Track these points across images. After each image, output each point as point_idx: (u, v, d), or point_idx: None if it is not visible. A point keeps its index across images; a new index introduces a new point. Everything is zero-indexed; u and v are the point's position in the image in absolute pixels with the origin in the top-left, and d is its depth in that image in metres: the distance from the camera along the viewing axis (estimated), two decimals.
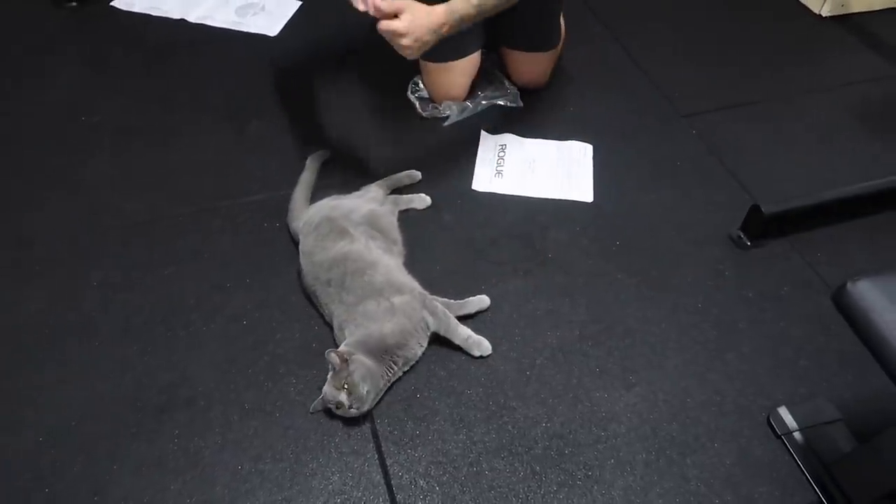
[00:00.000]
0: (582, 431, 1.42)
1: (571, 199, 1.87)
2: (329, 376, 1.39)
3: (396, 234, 1.69)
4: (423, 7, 1.57)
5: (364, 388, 1.37)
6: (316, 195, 1.80)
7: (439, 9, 1.60)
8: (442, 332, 1.51)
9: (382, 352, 1.43)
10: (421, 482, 1.35)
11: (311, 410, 1.41)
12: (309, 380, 1.49)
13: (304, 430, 1.42)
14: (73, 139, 2.05)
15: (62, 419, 1.43)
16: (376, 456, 1.39)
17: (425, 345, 1.50)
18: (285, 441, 1.41)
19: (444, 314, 1.51)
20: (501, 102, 2.13)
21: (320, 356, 1.49)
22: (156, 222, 1.82)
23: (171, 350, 1.55)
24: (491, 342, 1.53)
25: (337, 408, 1.38)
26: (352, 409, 1.37)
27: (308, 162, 1.89)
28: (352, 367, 1.37)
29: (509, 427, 1.43)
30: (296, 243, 1.68)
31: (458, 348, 1.53)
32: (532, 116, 2.09)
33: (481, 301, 1.59)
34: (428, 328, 1.50)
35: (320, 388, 1.43)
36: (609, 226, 1.81)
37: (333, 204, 1.70)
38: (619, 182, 1.92)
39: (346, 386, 1.36)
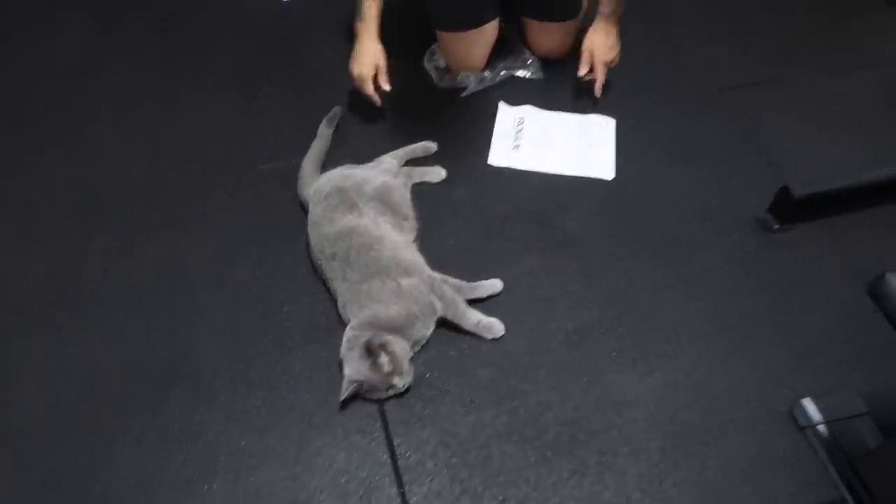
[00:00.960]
0: (595, 417, 1.38)
1: (591, 176, 1.80)
2: (367, 367, 1.33)
3: (408, 209, 1.64)
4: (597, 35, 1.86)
5: (407, 363, 1.36)
6: (327, 165, 1.75)
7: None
8: (450, 317, 1.46)
9: (392, 333, 1.38)
10: (428, 464, 1.32)
11: (341, 400, 1.35)
12: (315, 355, 1.46)
13: (309, 406, 1.39)
14: (79, 102, 2.00)
15: (63, 388, 1.41)
16: (383, 436, 1.35)
17: (433, 327, 1.45)
18: (290, 417, 1.37)
19: (453, 299, 1.46)
20: (521, 74, 2.05)
21: (328, 331, 1.47)
22: (161, 189, 1.77)
23: (175, 321, 1.51)
24: (503, 323, 1.48)
25: (387, 389, 1.35)
26: (402, 387, 1.36)
27: (321, 129, 1.83)
28: (391, 349, 1.34)
29: (520, 411, 1.39)
30: (306, 212, 1.63)
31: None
32: (552, 89, 2.01)
33: (493, 285, 1.53)
34: (435, 312, 1.45)
35: (328, 365, 1.39)
36: (630, 205, 1.74)
37: (346, 174, 1.65)
38: (641, 159, 1.84)
39: (393, 368, 1.33)
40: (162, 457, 1.32)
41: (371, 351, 1.33)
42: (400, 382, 1.35)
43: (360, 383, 1.33)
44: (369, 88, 1.79)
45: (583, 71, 1.89)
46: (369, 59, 1.77)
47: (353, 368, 1.34)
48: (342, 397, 1.33)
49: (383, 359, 1.33)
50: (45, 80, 2.06)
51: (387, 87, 1.80)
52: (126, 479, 1.29)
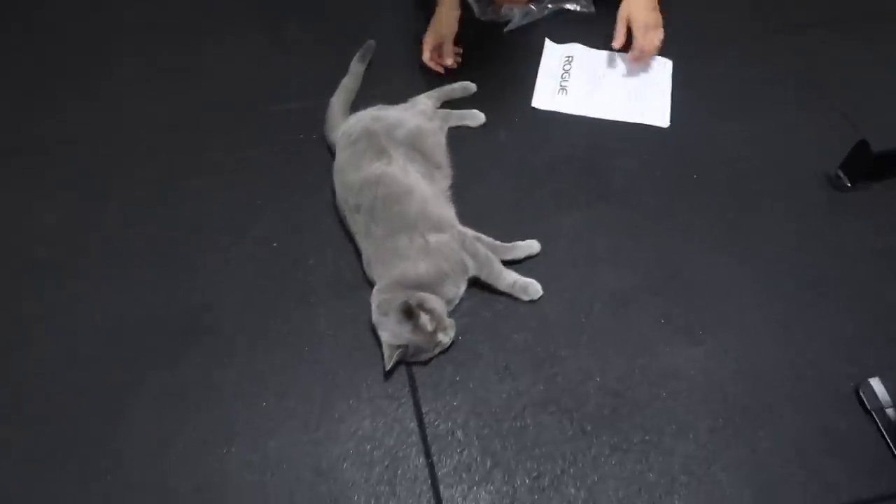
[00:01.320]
0: (640, 389, 1.28)
1: (644, 122, 1.66)
2: (408, 331, 1.24)
3: (442, 156, 1.52)
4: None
5: (447, 317, 1.29)
6: (358, 104, 1.62)
7: None
8: (483, 278, 1.36)
9: (423, 291, 1.29)
10: (458, 433, 1.24)
11: (387, 369, 1.26)
12: (341, 312, 1.37)
13: (333, 366, 1.31)
14: (98, 39, 1.89)
15: (77, 344, 1.34)
16: (411, 402, 1.27)
17: (464, 287, 1.36)
18: (313, 378, 1.30)
19: (487, 258, 1.35)
20: (570, 7, 1.89)
21: (354, 287, 1.38)
22: (182, 132, 1.67)
23: (194, 272, 1.43)
24: (542, 282, 1.38)
25: (434, 348, 1.28)
26: (449, 342, 1.29)
27: (352, 65, 1.70)
28: (430, 306, 1.25)
29: (559, 379, 1.29)
30: (334, 156, 1.52)
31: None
32: (603, 25, 1.81)
33: (530, 246, 1.41)
34: (467, 271, 1.35)
35: (354, 322, 1.33)
36: (686, 156, 1.60)
37: (377, 115, 1.53)
38: (700, 105, 1.69)
39: (436, 327, 1.26)
40: (178, 417, 1.25)
41: (410, 313, 1.23)
42: (445, 338, 1.27)
43: (405, 348, 1.25)
44: (423, 56, 1.71)
45: (617, 43, 1.72)
46: (437, 30, 1.71)
47: (393, 333, 1.25)
48: (388, 367, 1.25)
49: (424, 318, 1.24)
50: (62, 19, 1.95)
51: (448, 61, 1.72)
52: (141, 438, 1.23)
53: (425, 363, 1.30)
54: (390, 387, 1.29)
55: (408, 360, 1.29)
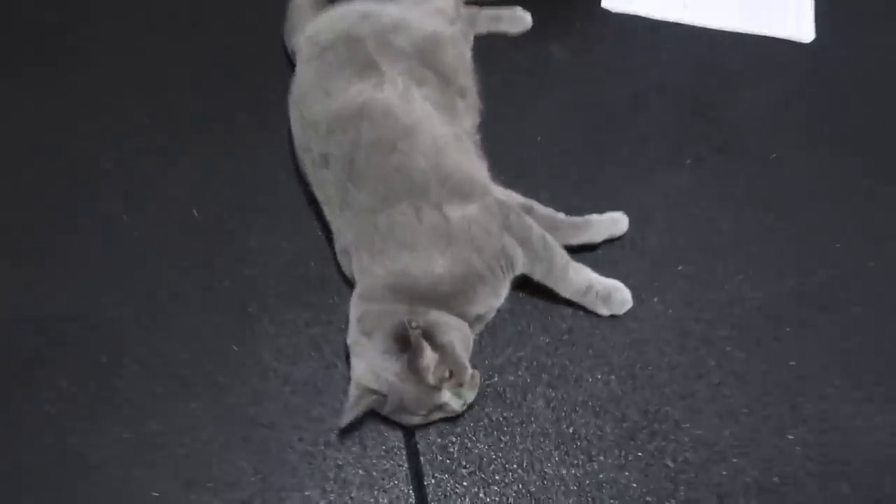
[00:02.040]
0: (807, 481, 0.83)
1: (774, 34, 1.24)
2: (395, 371, 0.81)
3: (467, 79, 1.10)
4: None
5: (470, 366, 0.85)
6: None
7: None
8: (539, 278, 0.94)
9: (439, 306, 0.84)
10: None
11: (342, 423, 0.83)
12: (298, 330, 0.94)
13: (283, 428, 0.86)
14: None
15: None
16: (411, 497, 0.81)
17: (507, 292, 0.93)
18: (250, 448, 0.85)
19: (545, 245, 0.93)
20: None
21: (321, 286, 1.01)
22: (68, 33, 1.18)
23: (68, 257, 0.98)
24: (631, 285, 0.95)
25: (431, 411, 0.84)
26: (461, 409, 0.85)
27: None
28: (443, 339, 0.82)
29: (667, 459, 0.85)
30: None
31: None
32: None
33: (614, 222, 1.00)
34: (512, 268, 0.92)
35: (319, 346, 0.90)
36: (842, 86, 1.17)
37: (366, 10, 1.10)
38: (858, 7, 1.26)
39: (447, 374, 0.82)
40: None
41: (406, 342, 0.81)
42: (456, 402, 0.83)
43: (382, 397, 0.81)
44: None
45: None
46: None
47: (371, 368, 0.83)
48: (345, 419, 0.81)
49: (428, 359, 0.81)
50: None
51: None
52: None
53: (413, 428, 0.84)
54: (379, 462, 0.82)
55: (384, 415, 0.82)
